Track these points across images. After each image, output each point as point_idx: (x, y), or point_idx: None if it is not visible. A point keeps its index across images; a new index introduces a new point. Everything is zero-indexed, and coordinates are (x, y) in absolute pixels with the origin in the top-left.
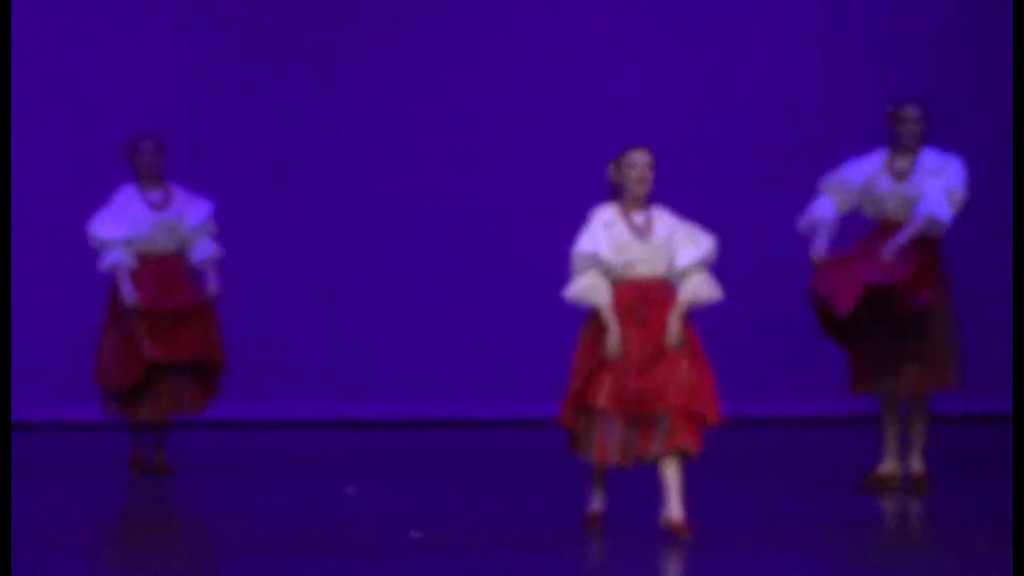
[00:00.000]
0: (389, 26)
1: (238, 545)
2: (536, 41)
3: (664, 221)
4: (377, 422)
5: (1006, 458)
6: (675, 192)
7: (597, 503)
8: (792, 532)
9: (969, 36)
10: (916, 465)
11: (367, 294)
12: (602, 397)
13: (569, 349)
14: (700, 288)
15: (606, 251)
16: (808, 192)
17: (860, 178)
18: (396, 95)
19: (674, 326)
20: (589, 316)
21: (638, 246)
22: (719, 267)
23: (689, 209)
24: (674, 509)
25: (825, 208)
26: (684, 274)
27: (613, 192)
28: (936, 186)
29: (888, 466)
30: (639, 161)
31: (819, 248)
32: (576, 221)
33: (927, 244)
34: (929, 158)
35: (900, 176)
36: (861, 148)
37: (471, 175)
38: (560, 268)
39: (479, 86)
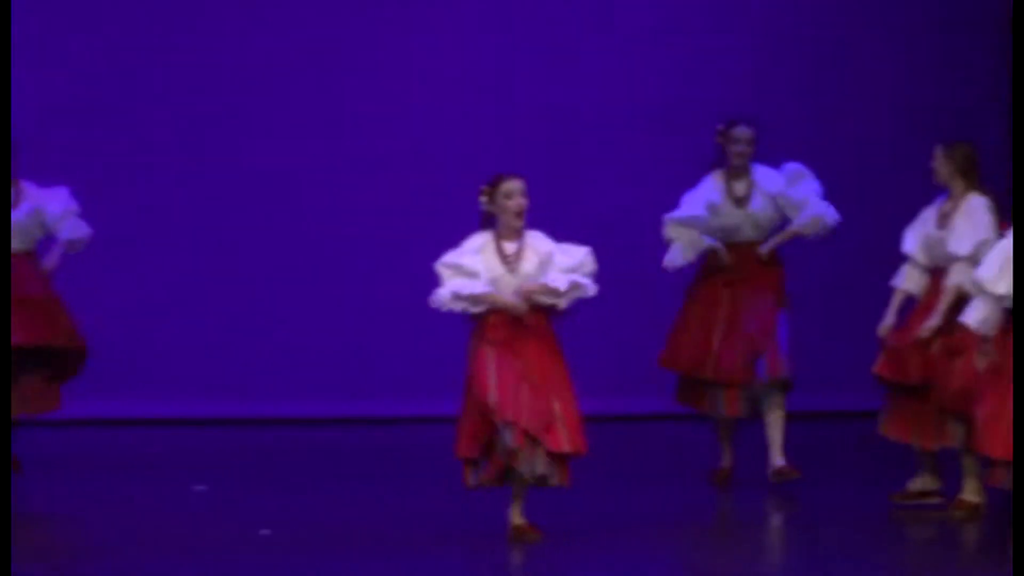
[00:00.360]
0: (258, 27)
1: (85, 544)
2: (409, 40)
3: (536, 249)
4: (233, 420)
5: (848, 453)
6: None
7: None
8: (639, 527)
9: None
10: (779, 459)
11: (229, 291)
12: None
13: (430, 348)
14: (559, 280)
15: (470, 263)
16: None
17: (704, 211)
18: (260, 95)
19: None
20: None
21: (507, 277)
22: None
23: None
24: (518, 516)
25: (677, 259)
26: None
27: (485, 219)
28: (810, 189)
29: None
30: (515, 190)
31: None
32: (450, 217)
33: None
34: (766, 173)
35: (742, 201)
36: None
37: (348, 175)
38: (428, 270)
39: (341, 84)
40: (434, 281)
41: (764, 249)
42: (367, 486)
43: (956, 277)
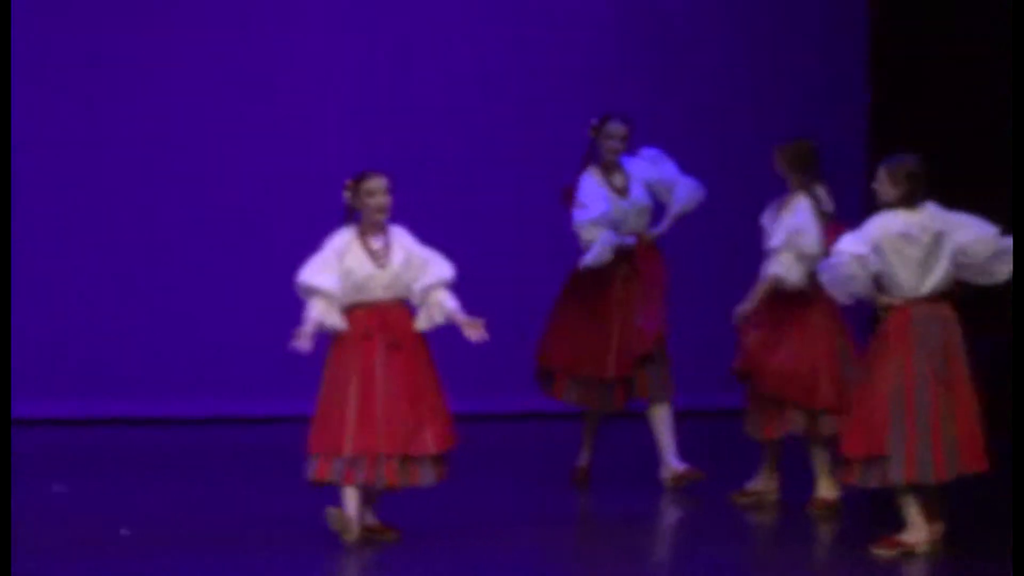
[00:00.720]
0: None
1: None
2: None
3: (401, 244)
4: (92, 419)
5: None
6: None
7: (352, 513)
8: (501, 528)
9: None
10: (678, 463)
11: (88, 289)
12: (348, 448)
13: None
14: (443, 307)
15: (327, 283)
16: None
17: (608, 206)
18: (116, 88)
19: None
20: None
21: (376, 273)
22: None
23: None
24: (370, 518)
25: (604, 256)
26: (424, 295)
27: (349, 214)
28: (672, 169)
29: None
30: (378, 188)
31: None
32: (313, 215)
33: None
34: (632, 162)
35: (623, 193)
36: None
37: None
38: (288, 269)
39: (197, 81)
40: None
41: (657, 231)
42: (228, 485)
43: (770, 267)
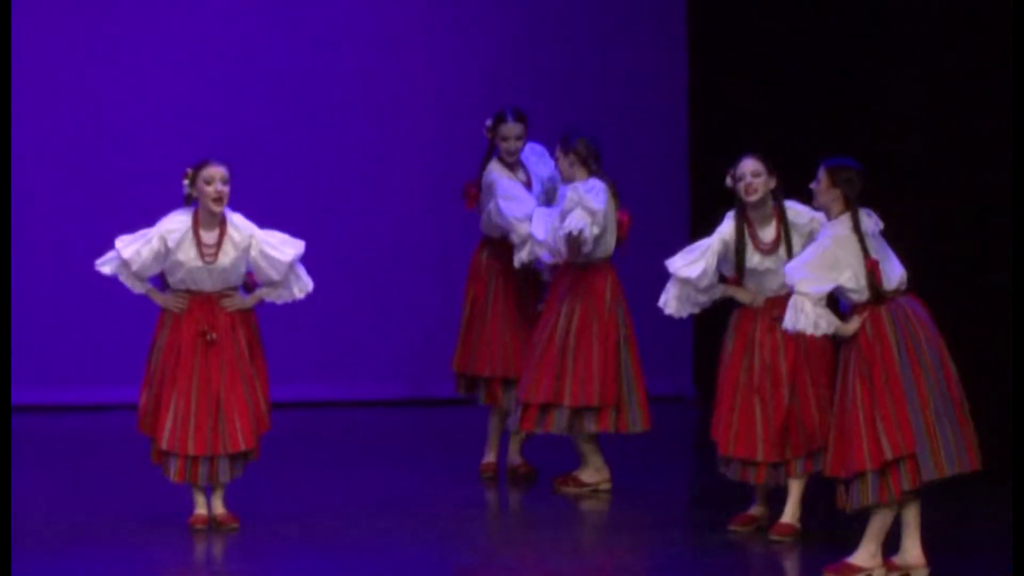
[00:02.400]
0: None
1: None
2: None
3: (236, 238)
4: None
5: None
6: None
7: (202, 507)
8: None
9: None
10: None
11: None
12: (164, 441)
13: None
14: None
15: (138, 263)
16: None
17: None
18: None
19: (236, 302)
20: (158, 327)
21: (203, 271)
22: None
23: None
24: (219, 507)
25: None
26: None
27: (187, 202)
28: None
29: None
30: (215, 177)
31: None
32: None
33: None
34: (527, 159)
35: (528, 188)
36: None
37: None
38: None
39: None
40: None
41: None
42: (78, 474)
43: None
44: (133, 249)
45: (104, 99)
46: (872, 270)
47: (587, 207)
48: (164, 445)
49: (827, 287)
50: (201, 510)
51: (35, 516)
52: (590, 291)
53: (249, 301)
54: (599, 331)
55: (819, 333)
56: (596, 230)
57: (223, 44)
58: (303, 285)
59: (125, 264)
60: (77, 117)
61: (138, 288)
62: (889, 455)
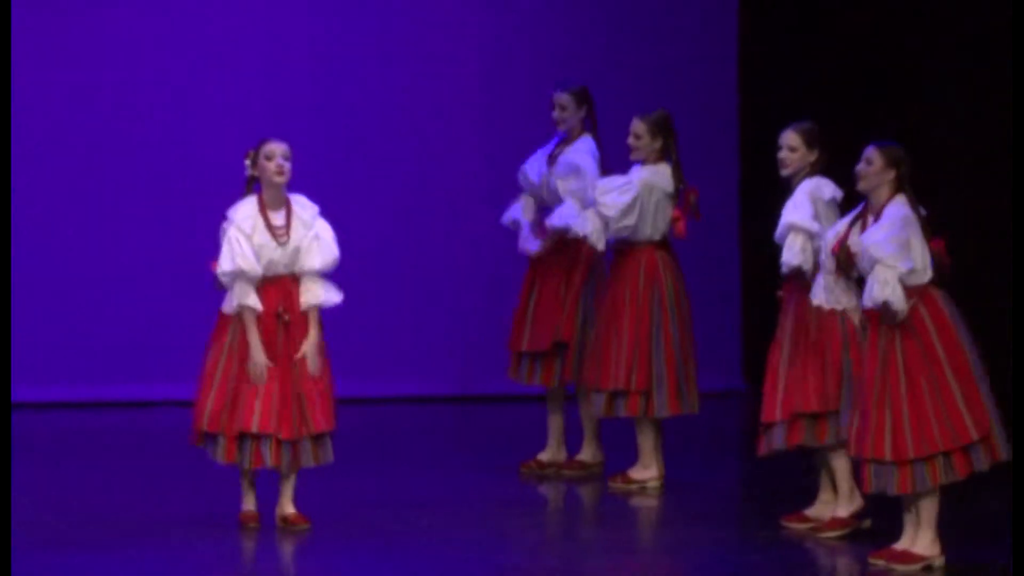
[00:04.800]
0: None
1: None
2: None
3: (302, 220)
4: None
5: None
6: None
7: (251, 503)
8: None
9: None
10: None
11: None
12: (255, 423)
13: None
14: (318, 295)
15: (248, 263)
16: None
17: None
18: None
19: (312, 357)
20: (223, 325)
21: (277, 251)
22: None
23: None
24: (287, 506)
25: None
26: (304, 279)
27: (249, 185)
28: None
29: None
30: (276, 152)
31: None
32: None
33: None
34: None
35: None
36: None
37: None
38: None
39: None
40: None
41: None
42: (110, 470)
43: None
44: (232, 258)
45: (104, 99)
46: (939, 251)
47: (603, 212)
48: (256, 428)
49: (910, 264)
50: (250, 506)
51: (75, 512)
52: (623, 275)
53: (313, 335)
54: (630, 315)
55: (899, 307)
56: (606, 236)
57: (242, 46)
58: (333, 295)
59: (242, 274)
60: (77, 117)
61: (251, 299)
62: (974, 435)
